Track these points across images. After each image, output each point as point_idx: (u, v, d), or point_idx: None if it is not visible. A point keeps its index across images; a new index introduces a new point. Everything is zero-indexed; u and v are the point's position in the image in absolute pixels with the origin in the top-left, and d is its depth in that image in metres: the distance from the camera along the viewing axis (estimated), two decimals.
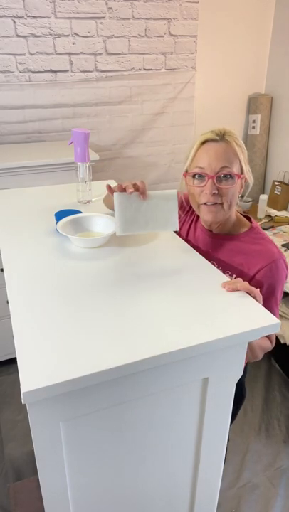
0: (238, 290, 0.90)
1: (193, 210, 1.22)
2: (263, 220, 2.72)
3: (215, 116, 2.82)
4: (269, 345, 1.11)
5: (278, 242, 2.40)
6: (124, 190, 1.05)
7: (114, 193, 1.06)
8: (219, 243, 1.15)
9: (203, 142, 1.06)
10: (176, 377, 0.81)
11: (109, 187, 1.10)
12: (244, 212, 2.40)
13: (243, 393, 1.33)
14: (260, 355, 1.08)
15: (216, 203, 1.07)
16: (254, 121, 2.90)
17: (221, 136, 1.05)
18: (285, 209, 2.87)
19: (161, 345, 0.74)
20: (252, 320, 0.81)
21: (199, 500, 1.04)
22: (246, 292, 0.90)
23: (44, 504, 0.85)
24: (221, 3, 2.56)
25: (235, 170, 1.05)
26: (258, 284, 1.04)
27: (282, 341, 2.12)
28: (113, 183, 1.65)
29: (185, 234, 1.24)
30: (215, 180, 1.04)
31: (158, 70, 2.53)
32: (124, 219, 1.06)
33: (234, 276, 1.09)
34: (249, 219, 1.19)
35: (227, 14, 2.60)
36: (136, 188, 1.05)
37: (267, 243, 1.11)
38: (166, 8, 2.39)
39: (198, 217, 1.22)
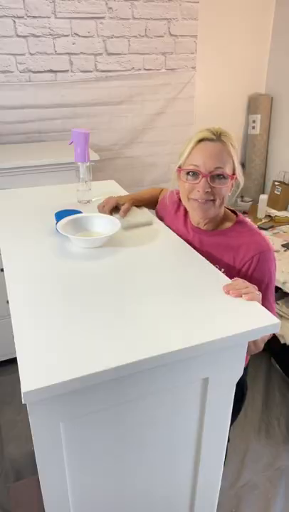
0: (241, 297, 0.89)
1: (178, 211, 1.23)
2: (263, 220, 2.72)
3: (215, 116, 2.81)
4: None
5: (278, 242, 2.39)
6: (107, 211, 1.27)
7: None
8: (207, 239, 1.16)
9: (200, 140, 1.07)
10: (176, 377, 0.80)
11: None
12: (244, 212, 2.40)
13: (244, 391, 1.33)
14: (262, 346, 1.09)
15: (207, 200, 1.08)
16: (254, 121, 2.90)
17: (218, 136, 1.06)
18: (285, 209, 2.86)
19: (161, 345, 0.74)
20: (252, 320, 0.81)
21: (199, 500, 1.04)
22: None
23: (44, 504, 0.85)
24: (220, 3, 2.55)
25: (228, 170, 1.07)
26: (245, 277, 1.04)
27: (282, 341, 2.12)
28: (113, 183, 1.65)
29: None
30: (208, 179, 1.06)
31: (158, 70, 2.53)
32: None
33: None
34: (235, 213, 1.19)
35: (227, 14, 2.60)
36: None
37: (253, 235, 1.12)
38: (166, 8, 2.39)
39: (185, 217, 1.22)
